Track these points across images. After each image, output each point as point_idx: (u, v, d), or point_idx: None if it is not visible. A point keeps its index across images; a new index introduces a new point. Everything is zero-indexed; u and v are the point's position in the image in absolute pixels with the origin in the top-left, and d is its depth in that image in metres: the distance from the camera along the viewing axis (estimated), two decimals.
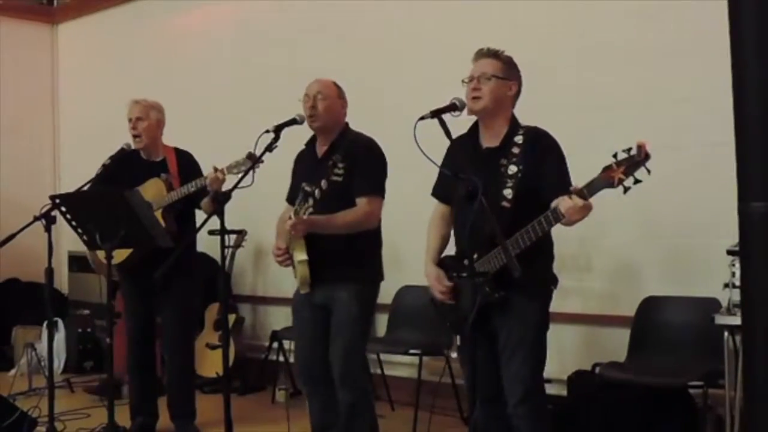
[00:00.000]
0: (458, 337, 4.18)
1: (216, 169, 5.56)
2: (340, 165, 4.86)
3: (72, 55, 10.83)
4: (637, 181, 3.50)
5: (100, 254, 5.99)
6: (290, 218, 4.72)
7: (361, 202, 4.87)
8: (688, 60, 5.69)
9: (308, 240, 4.81)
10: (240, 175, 4.81)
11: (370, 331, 5.26)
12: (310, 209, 4.75)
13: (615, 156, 3.52)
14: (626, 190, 3.53)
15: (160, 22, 9.56)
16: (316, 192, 4.89)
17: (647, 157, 3.47)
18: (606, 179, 3.56)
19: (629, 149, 3.50)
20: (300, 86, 5.05)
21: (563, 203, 3.70)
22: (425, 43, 7.10)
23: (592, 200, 3.70)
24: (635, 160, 3.48)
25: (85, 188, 5.90)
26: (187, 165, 6.12)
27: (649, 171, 3.49)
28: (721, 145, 5.42)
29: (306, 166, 5.08)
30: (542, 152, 4.10)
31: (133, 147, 6.16)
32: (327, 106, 4.94)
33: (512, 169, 4.10)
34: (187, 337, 6.38)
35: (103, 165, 6.06)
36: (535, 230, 3.86)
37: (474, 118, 4.30)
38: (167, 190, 5.94)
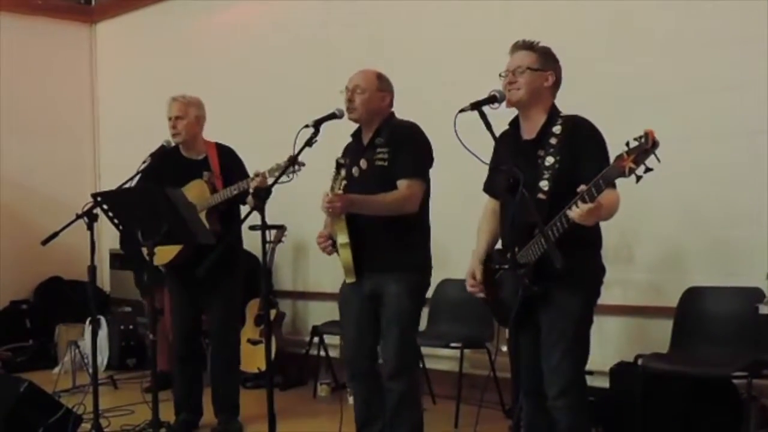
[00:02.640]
0: (507, 330, 4.16)
1: (258, 173, 5.58)
2: (384, 149, 4.87)
3: (110, 54, 10.89)
4: (648, 170, 3.44)
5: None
6: (326, 194, 4.72)
7: (402, 184, 4.83)
8: (729, 49, 5.64)
9: (351, 224, 4.82)
10: (280, 171, 4.84)
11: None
12: (344, 181, 4.76)
13: (627, 144, 3.48)
14: (638, 179, 3.47)
15: (198, 20, 9.60)
16: (354, 170, 4.92)
17: (655, 144, 3.40)
18: (617, 169, 3.52)
19: (640, 137, 3.45)
20: (338, 81, 5.05)
21: (572, 212, 3.69)
22: (462, 36, 7.08)
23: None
24: (644, 149, 3.41)
25: (127, 186, 5.93)
26: (230, 162, 6.12)
27: (658, 159, 3.43)
28: (764, 134, 5.43)
29: (352, 153, 5.07)
30: (580, 142, 4.06)
31: (173, 144, 6.18)
32: (365, 100, 4.92)
33: (549, 160, 4.07)
34: (233, 333, 6.43)
35: (144, 162, 6.09)
36: (557, 226, 3.84)
37: (516, 111, 4.28)
38: (210, 191, 5.97)
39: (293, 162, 4.90)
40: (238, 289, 6.33)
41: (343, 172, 4.79)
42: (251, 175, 5.74)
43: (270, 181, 5.45)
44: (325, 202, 4.70)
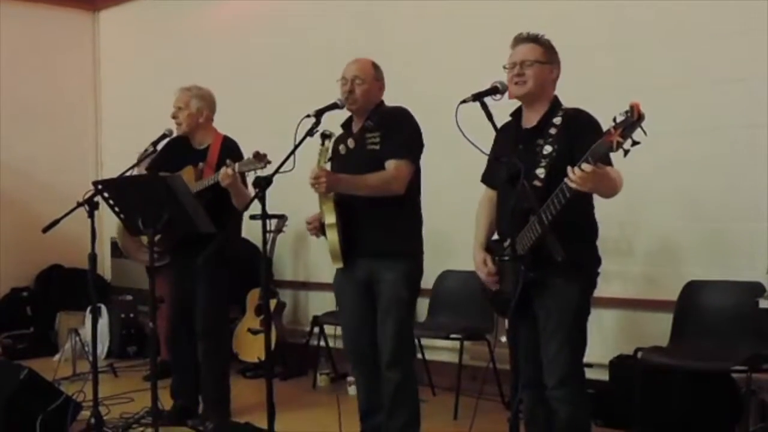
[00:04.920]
0: (507, 321, 4.17)
1: (227, 166, 5.59)
2: (375, 133, 4.89)
3: (113, 42, 10.87)
4: (635, 143, 3.44)
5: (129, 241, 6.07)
6: (313, 171, 4.72)
7: (390, 165, 4.84)
8: (730, 41, 5.64)
9: (340, 207, 4.82)
10: (281, 161, 4.84)
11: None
12: (329, 154, 4.76)
13: (614, 120, 3.48)
14: (626, 153, 3.46)
15: (201, 9, 9.58)
16: (341, 147, 4.92)
17: (641, 117, 3.39)
18: (605, 143, 3.51)
19: (626, 111, 3.44)
20: (338, 70, 5.05)
21: (570, 173, 3.67)
22: (461, 26, 7.07)
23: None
24: (630, 122, 3.40)
25: (133, 173, 5.93)
26: (227, 155, 6.07)
27: (645, 132, 3.42)
28: (764, 127, 5.43)
29: (344, 142, 5.08)
30: (579, 132, 4.05)
31: (174, 133, 6.18)
32: (365, 90, 4.94)
33: (547, 149, 4.09)
34: (217, 322, 6.27)
35: (145, 150, 6.10)
36: (554, 203, 3.83)
37: (517, 102, 4.28)
38: (196, 179, 5.95)
39: (264, 160, 5.21)
40: (223, 278, 6.21)
41: (327, 143, 4.78)
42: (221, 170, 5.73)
43: (238, 174, 5.60)
44: (311, 178, 4.70)
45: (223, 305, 6.33)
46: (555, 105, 4.23)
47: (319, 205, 4.90)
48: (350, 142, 4.97)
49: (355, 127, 5.03)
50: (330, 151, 4.86)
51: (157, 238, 5.80)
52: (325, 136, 4.81)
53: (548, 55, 4.24)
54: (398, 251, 4.89)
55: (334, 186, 4.76)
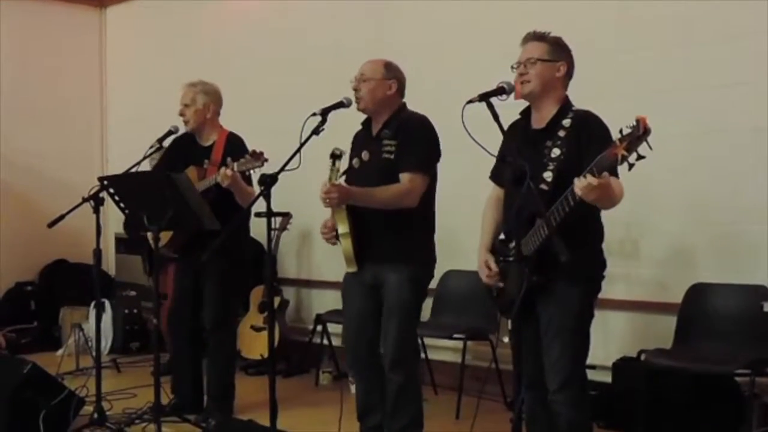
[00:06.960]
0: (510, 322, 4.15)
1: (226, 166, 5.59)
2: (391, 142, 4.86)
3: (120, 39, 10.87)
4: (640, 157, 3.42)
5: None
6: (324, 185, 4.71)
7: (404, 178, 4.82)
8: (732, 43, 5.64)
9: (353, 214, 4.82)
10: (287, 158, 4.84)
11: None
12: (340, 172, 4.76)
13: (620, 132, 3.46)
14: (630, 167, 3.44)
15: (207, 5, 9.57)
16: (355, 161, 4.91)
17: (647, 131, 3.37)
18: (610, 156, 3.50)
19: (632, 125, 3.42)
20: (346, 68, 5.05)
21: (576, 182, 3.66)
22: (470, 25, 7.07)
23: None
24: (635, 135, 3.38)
25: (134, 170, 5.94)
26: (232, 152, 6.04)
27: (650, 146, 3.40)
28: (767, 130, 5.43)
29: (360, 144, 5.07)
30: (587, 137, 4.03)
31: (180, 129, 6.18)
32: (370, 89, 4.91)
33: (555, 152, 4.06)
34: (224, 319, 6.24)
35: (151, 147, 6.10)
36: (559, 209, 3.82)
37: (526, 102, 4.27)
38: (199, 179, 5.95)
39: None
40: (230, 275, 6.20)
41: (337, 164, 4.77)
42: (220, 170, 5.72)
43: (273, 160, 5.49)
44: (322, 193, 4.71)
45: (231, 303, 6.32)
46: (565, 106, 4.19)
47: (332, 214, 4.91)
48: (365, 155, 4.94)
49: (374, 128, 5.02)
50: (341, 170, 4.84)
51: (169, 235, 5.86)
52: (335, 156, 4.79)
53: (554, 52, 4.20)
54: (406, 257, 4.87)
55: (345, 200, 4.76)
